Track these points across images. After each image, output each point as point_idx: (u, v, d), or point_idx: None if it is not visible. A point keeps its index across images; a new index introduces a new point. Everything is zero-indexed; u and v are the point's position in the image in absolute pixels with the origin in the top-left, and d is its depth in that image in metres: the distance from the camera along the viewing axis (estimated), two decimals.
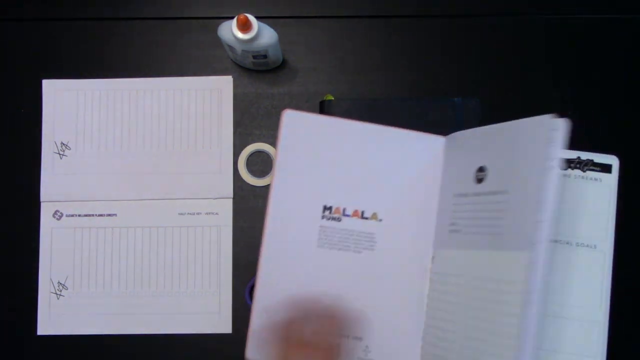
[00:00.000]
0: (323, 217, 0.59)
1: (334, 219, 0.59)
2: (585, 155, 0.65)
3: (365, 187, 0.60)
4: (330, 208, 0.59)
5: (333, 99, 0.68)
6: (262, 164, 0.69)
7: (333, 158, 0.60)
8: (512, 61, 0.70)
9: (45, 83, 0.70)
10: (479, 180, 0.55)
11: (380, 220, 0.59)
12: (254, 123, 0.70)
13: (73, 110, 0.70)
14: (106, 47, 0.71)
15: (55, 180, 0.69)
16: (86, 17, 0.71)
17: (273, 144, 0.69)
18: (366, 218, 0.59)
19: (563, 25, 0.71)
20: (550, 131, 0.49)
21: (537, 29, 0.71)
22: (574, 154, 0.66)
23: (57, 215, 0.68)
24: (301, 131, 0.59)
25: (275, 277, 0.58)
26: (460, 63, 0.70)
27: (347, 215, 0.59)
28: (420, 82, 0.70)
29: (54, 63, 0.70)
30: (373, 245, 0.59)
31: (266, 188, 0.69)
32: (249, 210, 0.69)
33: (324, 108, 0.67)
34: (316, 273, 0.59)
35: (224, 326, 0.67)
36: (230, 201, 0.69)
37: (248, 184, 0.69)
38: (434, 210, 0.60)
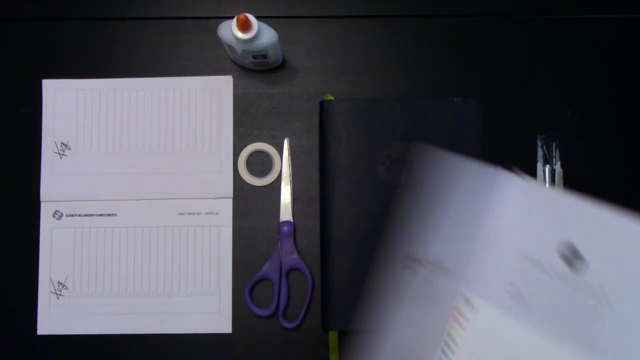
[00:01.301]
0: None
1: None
2: None
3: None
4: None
5: (333, 99, 0.68)
6: (262, 164, 0.69)
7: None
8: (512, 61, 0.70)
9: (45, 83, 0.70)
10: (568, 262, 0.46)
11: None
12: (253, 123, 0.70)
13: (73, 110, 0.70)
14: (106, 47, 0.71)
15: (55, 180, 0.69)
16: (86, 17, 0.71)
17: (273, 144, 0.69)
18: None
19: (563, 25, 0.71)
20: None
21: (537, 29, 0.71)
22: None
23: (57, 215, 0.68)
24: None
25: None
26: (460, 63, 0.70)
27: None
28: (420, 82, 0.70)
29: (54, 63, 0.70)
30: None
31: (266, 188, 0.69)
32: (249, 210, 0.69)
33: (324, 108, 0.67)
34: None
35: (224, 326, 0.67)
36: (230, 201, 0.69)
37: (248, 184, 0.69)
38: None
